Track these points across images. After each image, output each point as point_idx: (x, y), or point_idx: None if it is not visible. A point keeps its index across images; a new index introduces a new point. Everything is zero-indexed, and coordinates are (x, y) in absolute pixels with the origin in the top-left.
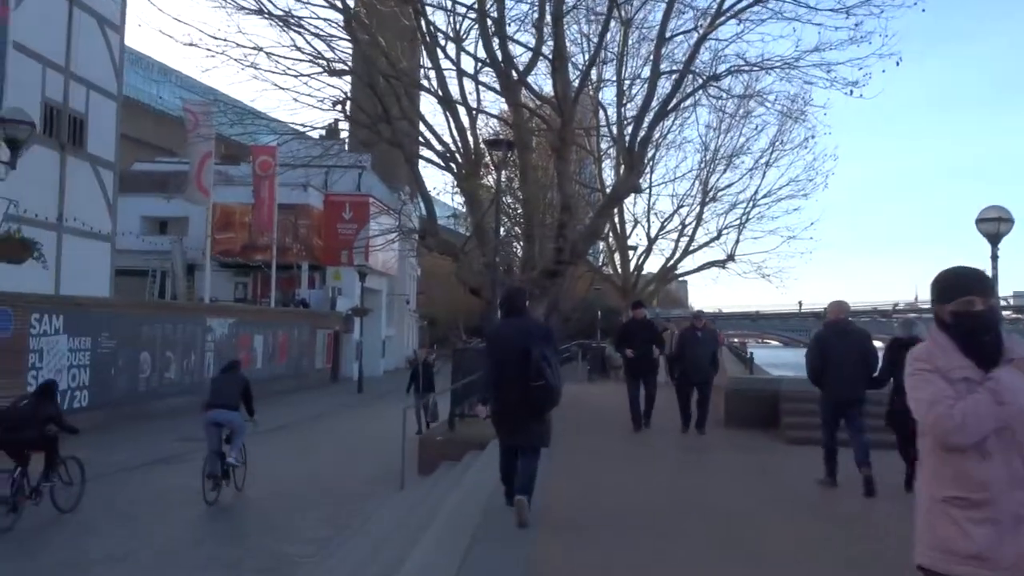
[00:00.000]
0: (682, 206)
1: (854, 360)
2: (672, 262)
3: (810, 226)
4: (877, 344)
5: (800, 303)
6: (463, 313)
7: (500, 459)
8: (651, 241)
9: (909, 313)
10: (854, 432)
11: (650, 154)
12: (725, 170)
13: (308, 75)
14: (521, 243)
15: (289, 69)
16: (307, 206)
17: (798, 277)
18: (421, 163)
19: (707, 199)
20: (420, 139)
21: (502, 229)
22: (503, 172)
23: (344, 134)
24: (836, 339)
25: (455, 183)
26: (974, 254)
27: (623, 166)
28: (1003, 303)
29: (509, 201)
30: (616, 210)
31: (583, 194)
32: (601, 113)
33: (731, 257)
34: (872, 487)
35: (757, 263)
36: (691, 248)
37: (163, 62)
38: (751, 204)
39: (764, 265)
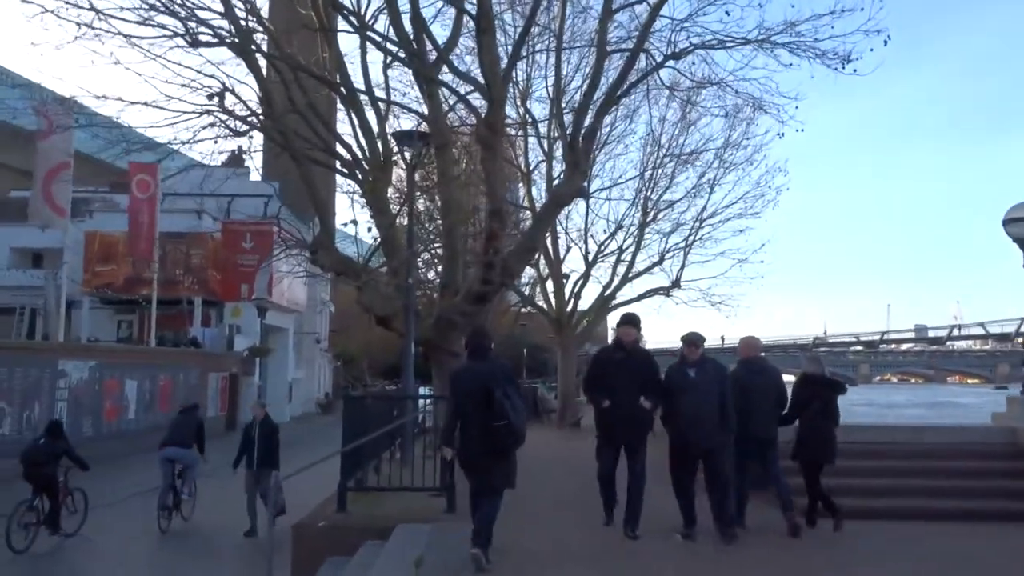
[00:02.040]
0: (620, 227)
1: (770, 398)
2: (611, 290)
3: (761, 248)
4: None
5: (722, 338)
6: (381, 351)
7: (470, 503)
8: (589, 266)
9: (819, 348)
10: (773, 469)
11: (596, 154)
12: (669, 184)
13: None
14: (440, 261)
15: (150, 48)
16: (201, 235)
17: (749, 305)
18: (326, 174)
19: (648, 219)
20: (318, 141)
21: (418, 244)
22: (417, 172)
23: (250, 162)
24: (752, 376)
25: (360, 192)
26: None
27: (565, 167)
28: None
29: (427, 207)
30: (548, 231)
31: (512, 216)
32: (534, 110)
33: (676, 283)
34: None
35: (704, 290)
36: (631, 275)
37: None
38: (697, 223)
39: (712, 292)
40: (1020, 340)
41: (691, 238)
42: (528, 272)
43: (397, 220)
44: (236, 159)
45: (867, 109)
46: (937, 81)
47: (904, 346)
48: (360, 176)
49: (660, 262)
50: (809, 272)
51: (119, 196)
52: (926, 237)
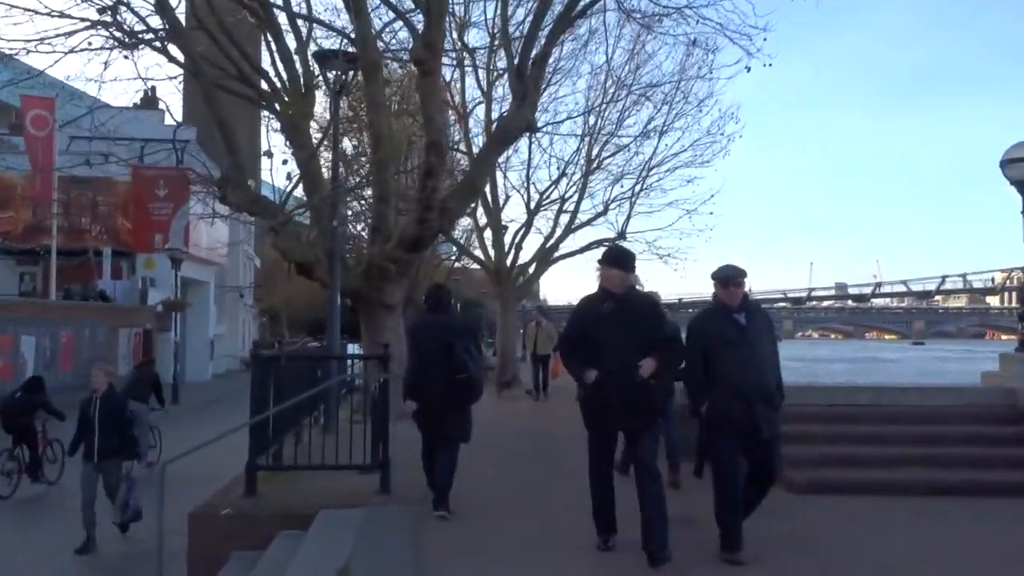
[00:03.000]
0: (564, 174)
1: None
2: (552, 241)
3: (710, 199)
4: None
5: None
6: (307, 305)
7: (422, 451)
8: (531, 214)
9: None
10: (668, 427)
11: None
12: (618, 126)
13: None
14: (370, 202)
15: None
16: (110, 180)
17: (697, 259)
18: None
19: (593, 166)
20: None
21: (344, 179)
22: (343, 101)
23: (165, 104)
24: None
25: (277, 119)
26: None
27: (512, 97)
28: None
29: (354, 146)
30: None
31: (449, 161)
32: (473, 41)
33: (622, 235)
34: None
35: (651, 242)
36: (574, 225)
37: None
38: (645, 171)
39: (659, 245)
40: (938, 298)
41: (638, 187)
42: (464, 222)
43: (320, 152)
44: (150, 101)
45: (800, 71)
46: (865, 47)
47: (825, 303)
48: (279, 108)
49: (605, 212)
50: (742, 228)
51: (17, 138)
52: (848, 197)
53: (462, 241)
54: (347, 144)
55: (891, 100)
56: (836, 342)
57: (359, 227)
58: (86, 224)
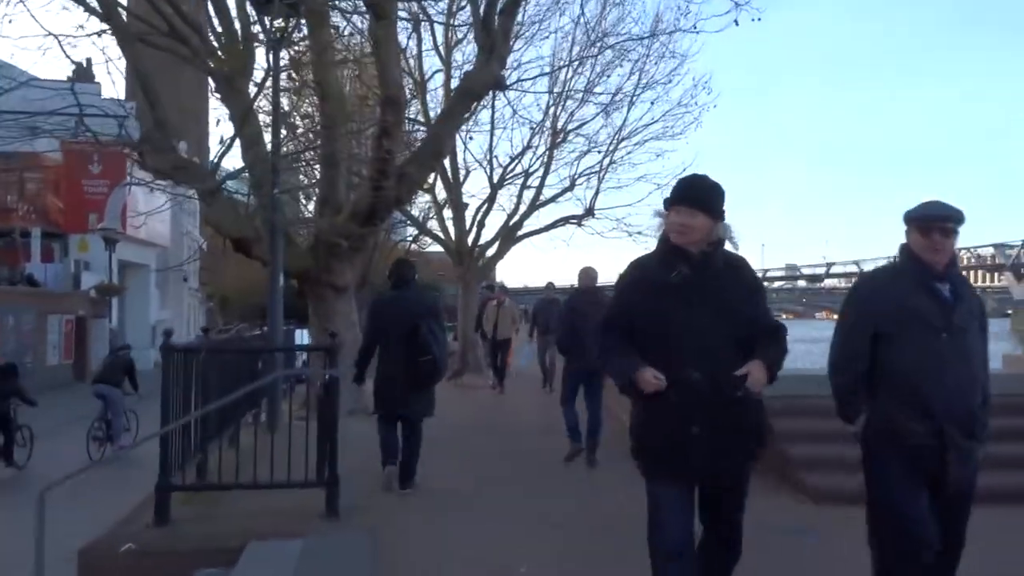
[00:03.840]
0: (529, 147)
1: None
2: (516, 219)
3: (683, 172)
4: None
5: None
6: (254, 289)
7: (379, 430)
8: (494, 188)
9: None
10: (593, 403)
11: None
12: (591, 83)
13: None
14: (316, 168)
15: None
16: (37, 156)
17: None
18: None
19: (559, 140)
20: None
21: (289, 140)
22: (285, 51)
23: (112, 79)
24: (587, 308)
25: (212, 78)
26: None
27: (479, 51)
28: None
29: (298, 102)
30: (447, 152)
31: (406, 137)
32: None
33: (590, 211)
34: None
35: (620, 219)
36: (539, 201)
37: None
38: (614, 143)
39: (628, 222)
40: None
41: (606, 160)
42: (423, 199)
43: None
44: (84, 74)
45: (752, 43)
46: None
47: (776, 284)
48: (213, 65)
49: (572, 187)
50: None
51: None
52: (798, 179)
53: (420, 220)
54: (292, 107)
55: (841, 75)
56: (789, 322)
57: (307, 204)
58: (12, 203)
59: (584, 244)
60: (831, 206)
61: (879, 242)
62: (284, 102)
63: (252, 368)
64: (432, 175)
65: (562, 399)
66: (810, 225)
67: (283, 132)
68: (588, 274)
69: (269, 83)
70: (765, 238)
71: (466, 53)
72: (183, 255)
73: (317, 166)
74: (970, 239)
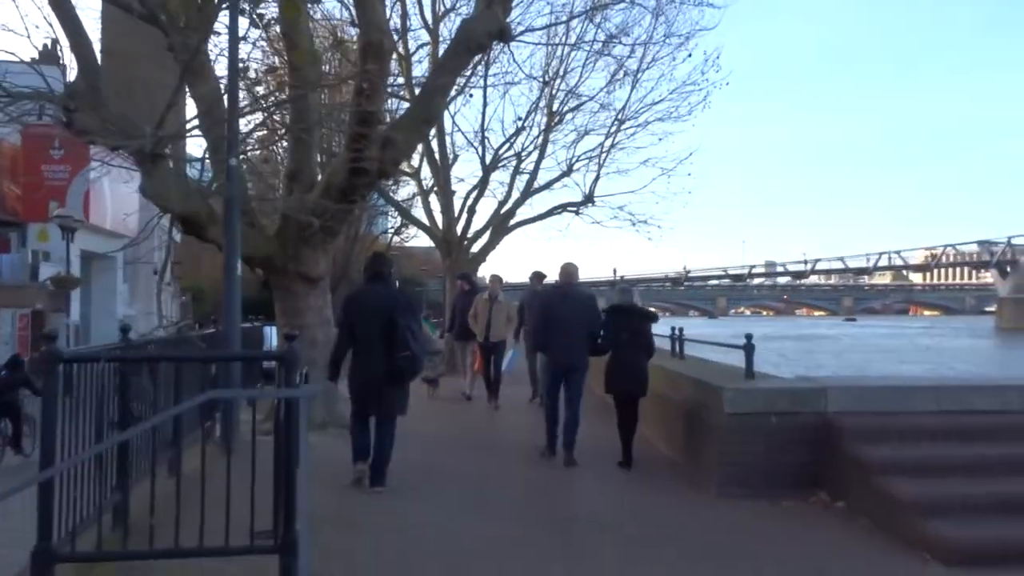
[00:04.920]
0: (523, 128)
1: (577, 325)
2: (509, 206)
3: (688, 156)
4: None
5: (615, 270)
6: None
7: (351, 427)
8: (487, 171)
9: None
10: (571, 403)
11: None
12: (583, 72)
13: None
14: (285, 141)
15: None
16: None
17: (674, 226)
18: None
19: (555, 121)
20: None
21: (254, 117)
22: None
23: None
24: (559, 301)
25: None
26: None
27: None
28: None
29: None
30: (435, 130)
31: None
32: None
33: (589, 198)
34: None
35: (621, 206)
36: (533, 188)
37: None
38: (615, 126)
39: (631, 210)
40: (866, 278)
41: (607, 142)
42: (408, 189)
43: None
44: (49, 54)
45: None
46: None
47: (756, 280)
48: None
49: (568, 172)
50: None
51: None
52: (778, 177)
53: (404, 206)
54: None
55: (821, 77)
56: (770, 319)
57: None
58: None
59: (583, 234)
60: (812, 203)
61: (860, 240)
62: (243, 52)
63: (204, 375)
64: (418, 157)
65: (546, 391)
66: (790, 222)
67: (241, 90)
68: (567, 270)
69: (224, 23)
70: (745, 235)
71: (452, 29)
72: (154, 246)
73: (283, 131)
74: (955, 236)
